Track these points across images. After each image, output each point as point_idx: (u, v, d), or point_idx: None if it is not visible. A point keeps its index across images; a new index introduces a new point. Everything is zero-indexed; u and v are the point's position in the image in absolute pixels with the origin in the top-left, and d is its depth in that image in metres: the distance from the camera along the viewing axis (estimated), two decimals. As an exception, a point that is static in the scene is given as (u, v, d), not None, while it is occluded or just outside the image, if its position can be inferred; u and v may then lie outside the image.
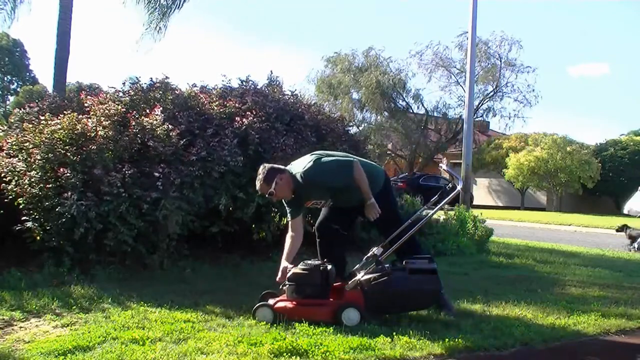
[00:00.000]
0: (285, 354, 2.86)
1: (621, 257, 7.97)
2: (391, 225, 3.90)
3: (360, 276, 3.56)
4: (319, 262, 3.64)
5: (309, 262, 3.64)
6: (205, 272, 4.99)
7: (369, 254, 3.69)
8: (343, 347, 2.95)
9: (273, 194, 3.76)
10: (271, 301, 3.55)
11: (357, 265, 3.77)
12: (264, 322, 3.40)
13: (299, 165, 3.87)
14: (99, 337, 3.01)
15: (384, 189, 4.01)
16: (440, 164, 4.04)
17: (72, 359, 2.73)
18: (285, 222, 6.68)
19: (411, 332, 3.29)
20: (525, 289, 4.86)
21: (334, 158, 3.91)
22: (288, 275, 3.57)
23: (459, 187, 3.86)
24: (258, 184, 3.83)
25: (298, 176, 3.79)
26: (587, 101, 68.53)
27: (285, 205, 3.94)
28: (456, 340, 3.19)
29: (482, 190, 28.94)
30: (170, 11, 10.36)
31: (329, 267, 3.61)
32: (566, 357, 3.23)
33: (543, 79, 64.36)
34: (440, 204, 3.90)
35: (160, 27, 10.37)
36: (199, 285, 4.48)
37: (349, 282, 3.58)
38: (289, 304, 3.51)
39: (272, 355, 2.85)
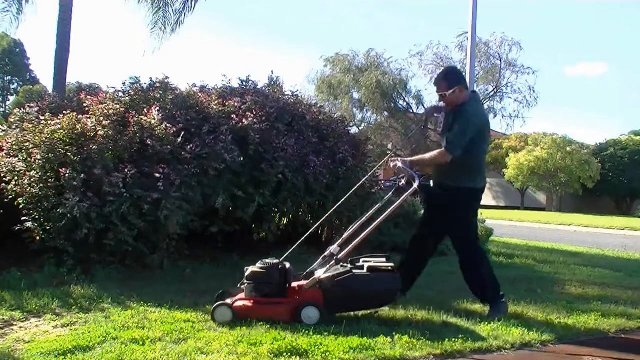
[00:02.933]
0: (285, 354, 2.86)
1: (621, 257, 7.97)
2: (452, 228, 3.95)
3: (320, 275, 3.53)
4: (277, 260, 3.61)
5: (267, 260, 3.60)
6: (205, 272, 4.99)
7: (326, 253, 3.67)
8: (343, 347, 2.95)
9: (445, 96, 3.88)
10: (229, 300, 3.50)
11: (315, 264, 3.71)
12: (225, 320, 3.36)
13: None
14: (99, 337, 3.01)
15: (474, 193, 3.99)
16: (396, 162, 3.89)
17: (72, 359, 2.73)
18: (285, 222, 6.71)
19: (411, 332, 3.28)
20: (525, 289, 4.86)
21: None
22: (246, 274, 3.54)
23: (415, 185, 3.75)
24: (440, 80, 3.95)
25: (469, 104, 3.88)
26: (587, 101, 68.68)
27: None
28: (456, 340, 3.19)
29: (482, 190, 28.86)
30: (182, 15, 10.31)
31: (287, 265, 3.60)
32: (566, 357, 3.22)
33: (541, 79, 64.51)
34: (398, 202, 3.81)
35: (166, 28, 10.33)
36: (199, 285, 4.48)
37: (308, 281, 3.55)
38: (247, 303, 3.46)
39: (272, 355, 2.85)
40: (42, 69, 67.21)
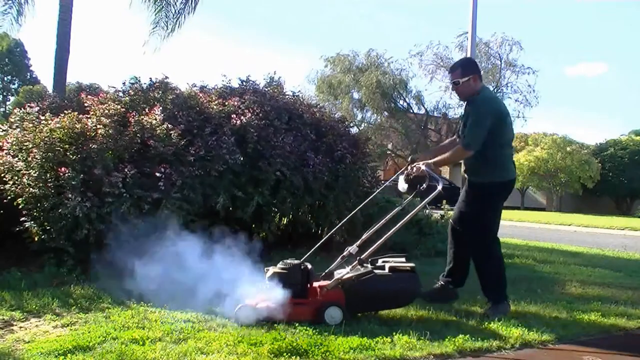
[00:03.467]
0: (285, 354, 2.86)
1: (621, 257, 7.97)
2: (472, 232, 3.89)
3: (342, 275, 3.53)
4: (298, 261, 3.60)
5: (289, 261, 3.59)
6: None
7: (344, 253, 3.67)
8: (343, 347, 2.95)
9: (459, 83, 3.89)
10: (251, 302, 3.47)
11: (333, 265, 3.70)
12: (248, 321, 3.33)
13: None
14: (99, 337, 3.01)
15: (488, 189, 3.92)
16: (419, 166, 3.85)
17: (72, 359, 2.73)
18: (285, 222, 6.71)
19: (411, 332, 3.28)
20: (525, 289, 4.86)
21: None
22: (268, 275, 3.53)
23: (439, 188, 3.71)
24: (456, 66, 3.97)
25: (480, 94, 3.88)
26: (587, 101, 68.72)
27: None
28: (456, 340, 3.19)
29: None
30: (182, 15, 10.29)
31: (309, 266, 3.59)
32: (566, 357, 3.22)
33: (541, 79, 64.51)
34: (423, 203, 3.82)
35: (168, 28, 10.31)
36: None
37: (330, 281, 3.55)
38: (270, 304, 3.43)
39: (272, 355, 2.85)
40: (42, 69, 67.23)
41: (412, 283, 3.63)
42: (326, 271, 3.71)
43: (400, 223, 3.70)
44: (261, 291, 3.52)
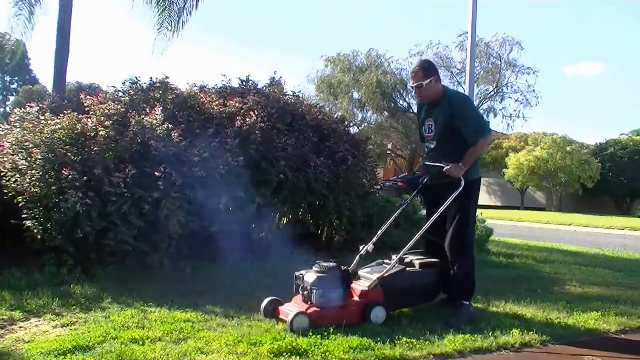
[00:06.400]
0: (285, 354, 2.86)
1: (621, 257, 7.97)
2: (459, 228, 3.82)
3: (382, 274, 3.58)
4: (336, 263, 3.59)
5: (325, 264, 3.54)
6: (205, 272, 4.99)
7: (362, 252, 3.73)
8: (343, 347, 2.95)
9: (422, 86, 3.90)
10: (295, 308, 3.38)
11: (353, 264, 3.69)
12: (302, 328, 3.24)
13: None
14: (99, 337, 3.01)
15: (476, 185, 3.98)
16: (449, 168, 3.76)
17: (72, 359, 2.73)
18: (285, 222, 6.70)
19: (411, 332, 3.29)
20: (525, 289, 4.86)
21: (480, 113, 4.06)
22: (311, 280, 3.44)
23: (462, 185, 3.73)
24: (417, 70, 3.98)
25: (448, 93, 3.96)
26: (586, 101, 68.75)
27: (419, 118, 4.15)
28: (456, 340, 3.19)
29: (482, 190, 28.82)
30: (185, 14, 10.27)
31: (347, 268, 3.61)
32: (566, 357, 3.22)
33: (541, 79, 64.55)
34: (448, 201, 3.75)
35: (172, 28, 10.29)
36: (199, 285, 4.48)
37: (372, 281, 3.56)
38: (318, 310, 3.37)
39: (272, 355, 2.85)
40: (42, 69, 67.28)
41: (439, 276, 3.83)
42: (351, 270, 3.65)
43: (432, 219, 3.80)
44: (304, 297, 3.46)
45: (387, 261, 3.78)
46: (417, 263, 3.82)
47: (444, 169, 3.79)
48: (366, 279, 3.63)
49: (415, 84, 3.97)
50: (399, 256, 3.72)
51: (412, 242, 3.71)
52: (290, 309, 3.41)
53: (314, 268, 3.54)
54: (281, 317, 3.45)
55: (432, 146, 4.04)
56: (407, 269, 3.74)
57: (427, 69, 3.96)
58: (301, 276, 3.55)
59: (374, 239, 3.80)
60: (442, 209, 3.79)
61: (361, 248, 3.77)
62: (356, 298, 3.54)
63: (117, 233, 4.53)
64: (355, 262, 3.71)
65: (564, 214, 20.76)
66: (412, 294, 3.75)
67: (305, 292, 3.45)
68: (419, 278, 3.77)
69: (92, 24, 70.07)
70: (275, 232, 5.74)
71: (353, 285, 3.60)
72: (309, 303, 3.41)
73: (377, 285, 3.55)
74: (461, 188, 3.74)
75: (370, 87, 25.71)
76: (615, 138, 27.08)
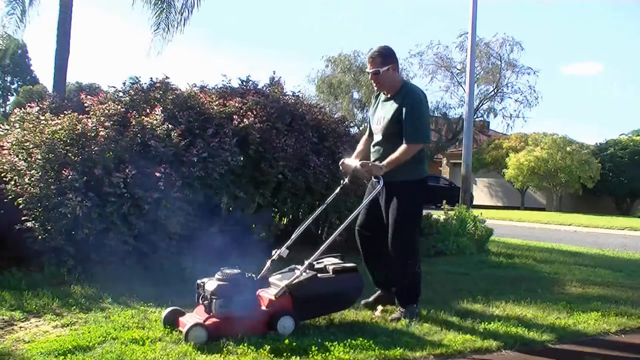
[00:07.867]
0: (285, 354, 2.86)
1: (621, 257, 7.97)
2: (401, 228, 3.61)
3: (289, 280, 3.29)
4: (239, 270, 3.28)
5: (227, 271, 3.25)
6: (205, 272, 4.98)
7: (274, 256, 3.43)
8: (343, 347, 2.95)
9: (379, 73, 3.73)
10: (194, 319, 3.11)
11: (264, 270, 3.39)
12: (199, 342, 2.96)
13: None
14: (99, 337, 3.01)
15: (420, 185, 3.75)
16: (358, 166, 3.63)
17: (72, 359, 2.73)
18: (285, 222, 6.71)
19: (411, 332, 3.28)
20: (525, 289, 4.86)
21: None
22: (211, 289, 3.14)
23: (381, 184, 3.60)
24: (375, 55, 3.77)
25: (406, 87, 3.78)
26: (585, 100, 68.74)
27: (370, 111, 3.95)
28: (456, 340, 3.19)
29: (482, 190, 28.93)
30: (184, 14, 10.30)
31: (252, 274, 3.30)
32: (566, 357, 3.22)
33: (540, 78, 64.62)
34: (365, 202, 3.68)
35: (169, 29, 10.32)
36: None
37: (278, 289, 3.26)
38: (217, 320, 3.10)
39: (272, 355, 2.85)
40: (42, 69, 67.28)
41: (356, 282, 3.51)
42: (259, 277, 3.35)
43: (342, 226, 3.60)
44: (205, 306, 3.18)
45: (299, 266, 3.43)
46: (330, 268, 3.46)
47: (359, 164, 3.64)
48: (275, 286, 3.32)
49: (372, 70, 3.77)
50: (309, 261, 3.41)
51: (324, 246, 3.42)
52: (189, 320, 3.11)
53: (216, 275, 3.23)
54: (180, 328, 3.16)
55: (377, 140, 3.83)
56: (319, 275, 3.40)
57: (385, 55, 3.75)
58: (202, 284, 3.25)
59: (288, 242, 3.51)
60: (362, 205, 3.66)
61: (274, 252, 3.46)
62: (264, 307, 3.27)
63: (117, 233, 4.54)
64: (265, 267, 3.41)
65: (564, 214, 20.75)
66: (324, 302, 3.41)
67: (206, 302, 3.16)
68: (332, 284, 3.41)
69: (92, 24, 70.10)
70: (275, 232, 5.74)
71: (261, 293, 3.32)
72: (210, 313, 3.13)
73: (285, 293, 3.25)
74: (379, 187, 3.58)
75: (370, 87, 25.69)
76: (615, 138, 27.06)
